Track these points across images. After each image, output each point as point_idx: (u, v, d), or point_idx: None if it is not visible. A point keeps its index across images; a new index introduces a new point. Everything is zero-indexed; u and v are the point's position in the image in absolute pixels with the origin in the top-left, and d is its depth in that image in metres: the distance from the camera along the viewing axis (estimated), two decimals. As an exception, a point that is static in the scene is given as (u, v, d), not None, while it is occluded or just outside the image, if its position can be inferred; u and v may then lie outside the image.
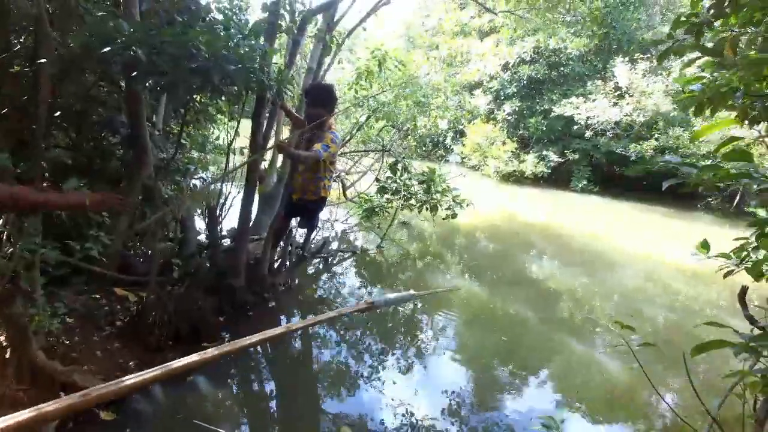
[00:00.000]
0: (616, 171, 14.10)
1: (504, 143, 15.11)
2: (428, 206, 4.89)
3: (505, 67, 16.15)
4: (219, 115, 4.33)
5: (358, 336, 3.53)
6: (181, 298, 3.01)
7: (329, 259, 4.75)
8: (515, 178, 14.76)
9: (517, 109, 15.67)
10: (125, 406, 2.25)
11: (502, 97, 16.29)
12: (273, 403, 2.66)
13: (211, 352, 0.80)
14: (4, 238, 2.11)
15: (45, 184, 2.10)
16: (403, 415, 2.57)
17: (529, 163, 14.60)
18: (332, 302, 4.04)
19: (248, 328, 3.23)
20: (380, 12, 4.88)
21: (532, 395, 3.02)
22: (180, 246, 3.41)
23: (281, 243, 3.78)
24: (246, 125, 3.45)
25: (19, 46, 2.39)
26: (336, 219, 6.22)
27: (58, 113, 2.53)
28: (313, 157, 2.85)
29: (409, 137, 6.29)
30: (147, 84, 2.49)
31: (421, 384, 2.93)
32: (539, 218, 9.87)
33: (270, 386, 2.89)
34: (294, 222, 3.74)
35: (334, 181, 6.11)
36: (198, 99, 3.82)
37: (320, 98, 2.97)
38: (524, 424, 2.64)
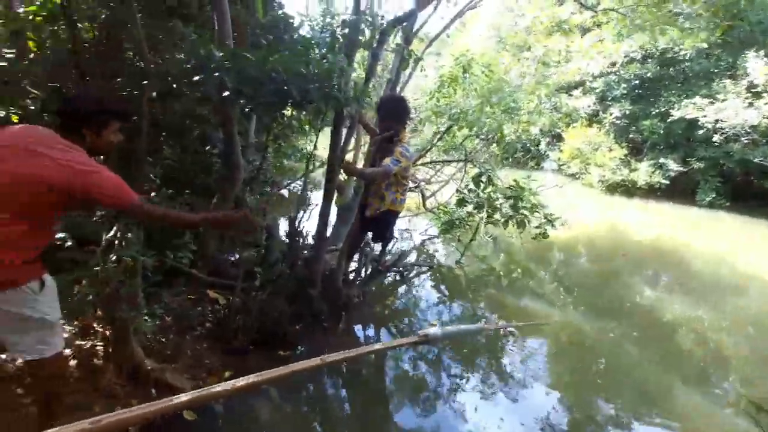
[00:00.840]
0: (754, 183, 11.69)
1: (611, 149, 13.53)
2: (515, 222, 4.52)
3: (612, 66, 14.53)
4: (306, 127, 4.55)
5: (436, 354, 3.36)
6: (263, 305, 3.17)
7: (405, 273, 4.65)
8: (624, 188, 13.07)
9: (627, 112, 13.92)
10: (205, 408, 2.39)
11: (609, 99, 14.65)
12: (344, 419, 2.63)
13: (248, 378, 0.76)
14: (115, 245, 2.42)
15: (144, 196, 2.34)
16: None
17: (642, 172, 12.79)
18: (406, 317, 3.94)
19: (323, 338, 3.30)
20: (466, 16, 4.69)
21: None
22: (264, 253, 3.61)
23: (356, 255, 3.80)
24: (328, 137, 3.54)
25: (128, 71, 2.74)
26: (414, 229, 6.12)
27: (163, 132, 2.84)
28: (381, 173, 2.82)
29: (495, 145, 5.91)
30: (235, 105, 2.68)
31: (505, 412, 2.69)
32: (652, 235, 8.58)
33: (342, 401, 2.87)
34: (369, 235, 3.73)
35: (413, 191, 6.03)
36: (288, 113, 4.06)
37: (391, 111, 2.94)
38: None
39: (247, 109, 2.76)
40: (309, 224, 3.76)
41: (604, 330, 4.11)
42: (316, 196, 4.60)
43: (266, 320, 3.06)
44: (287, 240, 3.58)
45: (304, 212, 3.86)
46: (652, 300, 5.08)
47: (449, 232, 4.87)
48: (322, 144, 3.79)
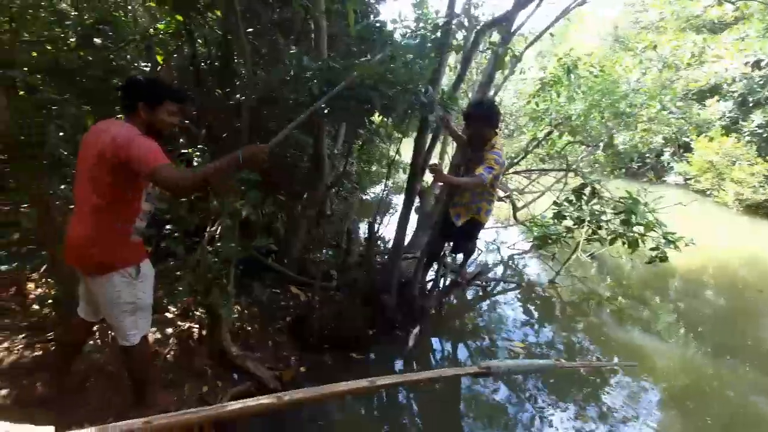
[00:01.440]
0: None
1: (753, 163, 11.22)
2: (625, 240, 3.94)
3: (756, 66, 12.09)
4: (395, 132, 4.58)
5: (521, 381, 3.08)
6: (340, 306, 3.24)
7: (488, 288, 4.37)
8: (767, 210, 10.75)
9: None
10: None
11: (751, 104, 12.22)
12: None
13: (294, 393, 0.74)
14: (216, 238, 2.67)
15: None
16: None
17: (793, 192, 10.40)
18: (486, 336, 3.68)
19: (395, 346, 3.25)
20: (576, 12, 4.26)
21: None
22: (344, 256, 3.69)
23: (435, 265, 3.67)
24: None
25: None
26: (503, 242, 5.73)
27: (260, 136, 3.07)
28: (475, 183, 2.68)
29: (602, 154, 5.27)
30: (324, 112, 2.78)
31: None
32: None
33: (411, 415, 2.76)
34: (449, 245, 3.58)
35: (503, 200, 5.66)
36: (377, 120, 4.14)
37: (482, 115, 2.75)
38: None
39: (334, 116, 2.83)
40: (389, 230, 3.75)
41: (730, 376, 3.35)
42: (399, 202, 4.58)
43: (341, 322, 3.11)
44: (366, 244, 3.62)
45: (384, 217, 3.87)
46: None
47: (542, 247, 4.44)
48: (408, 150, 3.77)
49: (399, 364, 3.13)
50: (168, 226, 2.34)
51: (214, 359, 2.45)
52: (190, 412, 0.61)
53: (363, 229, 4.35)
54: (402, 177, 4.36)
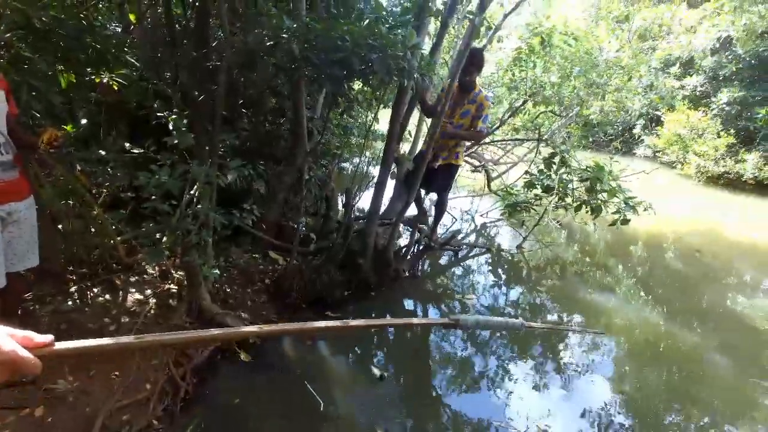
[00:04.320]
0: None
1: (718, 136, 11.75)
2: (589, 207, 4.17)
3: (727, 43, 12.41)
4: (373, 101, 4.57)
5: (487, 338, 3.32)
6: (317, 270, 3.35)
7: (459, 253, 4.57)
8: (726, 181, 11.39)
9: (737, 97, 11.92)
10: (261, 352, 2.62)
11: (721, 79, 12.62)
12: (383, 387, 2.71)
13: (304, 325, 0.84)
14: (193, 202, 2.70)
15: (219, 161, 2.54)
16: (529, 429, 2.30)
17: (750, 164, 11.04)
18: (456, 298, 3.90)
19: (370, 307, 3.42)
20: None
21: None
22: (323, 222, 3.78)
23: (408, 231, 3.82)
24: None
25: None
26: (476, 212, 5.93)
27: (237, 101, 3.05)
28: (480, 137, 3.06)
29: (574, 125, 5.43)
30: (303, 74, 2.78)
31: (557, 405, 2.58)
32: (755, 237, 7.42)
33: (387, 369, 2.95)
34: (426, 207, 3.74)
35: (477, 171, 5.81)
36: (356, 87, 4.12)
37: (474, 62, 3.04)
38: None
39: (313, 78, 2.83)
40: (366, 199, 3.84)
41: (685, 334, 3.71)
42: (376, 173, 4.66)
43: (318, 283, 3.24)
44: (343, 211, 3.70)
45: (362, 186, 3.94)
46: (745, 306, 4.44)
47: (513, 215, 4.64)
48: (386, 119, 3.80)
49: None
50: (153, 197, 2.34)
51: (194, 317, 2.55)
52: (176, 334, 0.70)
53: (341, 198, 4.41)
54: (380, 146, 4.40)
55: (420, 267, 4.22)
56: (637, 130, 14.81)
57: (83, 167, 2.43)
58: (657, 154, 13.72)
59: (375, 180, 3.51)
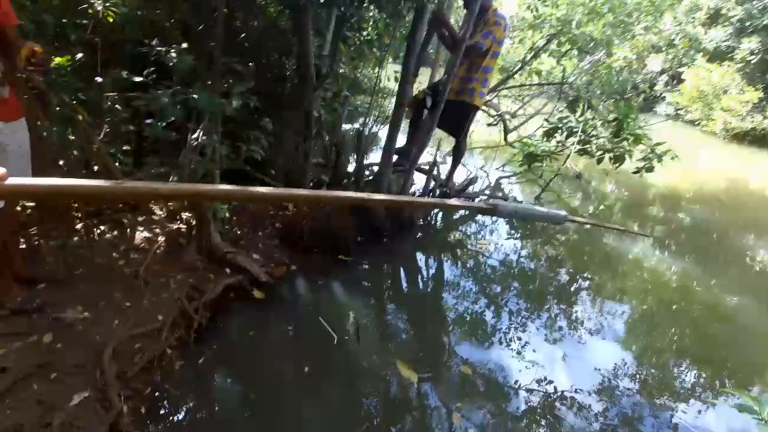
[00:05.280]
0: None
1: (743, 92, 11.14)
2: (612, 155, 3.94)
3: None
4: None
5: (501, 288, 3.22)
6: (328, 215, 3.24)
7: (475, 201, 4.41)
8: (753, 137, 10.89)
9: (763, 45, 11.18)
10: (272, 291, 2.54)
11: (749, 31, 11.83)
12: (395, 324, 2.65)
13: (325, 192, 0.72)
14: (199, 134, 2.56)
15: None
16: (538, 381, 2.22)
17: (780, 119, 10.53)
18: (469, 248, 3.78)
19: (383, 253, 3.32)
20: None
21: (723, 413, 2.22)
22: (333, 169, 3.63)
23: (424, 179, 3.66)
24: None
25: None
26: (492, 165, 5.71)
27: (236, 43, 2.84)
28: (460, 44, 2.72)
29: (600, 70, 5.09)
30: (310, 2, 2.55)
31: (568, 356, 2.47)
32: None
33: (396, 308, 2.87)
34: (440, 157, 3.54)
35: (494, 124, 5.54)
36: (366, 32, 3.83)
37: None
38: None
39: (322, 2, 2.60)
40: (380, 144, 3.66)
41: (710, 285, 3.58)
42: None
43: (330, 228, 3.13)
44: (355, 155, 3.54)
45: (371, 131, 3.74)
46: (764, 258, 4.29)
47: (530, 167, 4.42)
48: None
49: (386, 269, 3.22)
50: (149, 120, 2.20)
51: (204, 255, 2.46)
52: (168, 184, 0.56)
53: (352, 143, 4.23)
54: (390, 105, 4.14)
55: (434, 215, 4.10)
56: (659, 87, 14.14)
57: (81, 97, 2.29)
58: (679, 112, 13.14)
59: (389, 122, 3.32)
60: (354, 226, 3.27)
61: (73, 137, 2.40)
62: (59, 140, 2.29)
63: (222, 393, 1.84)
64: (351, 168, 4.06)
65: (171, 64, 2.06)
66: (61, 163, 2.43)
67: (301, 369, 2.01)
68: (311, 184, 3.44)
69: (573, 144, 3.80)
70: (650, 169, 3.72)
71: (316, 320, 2.34)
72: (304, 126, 3.49)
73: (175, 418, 1.70)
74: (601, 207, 5.36)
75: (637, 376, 2.40)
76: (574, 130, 3.76)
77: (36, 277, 1.97)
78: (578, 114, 3.94)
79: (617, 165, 3.93)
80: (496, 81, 5.02)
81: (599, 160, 4.05)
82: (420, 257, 3.54)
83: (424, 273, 3.36)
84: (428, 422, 1.91)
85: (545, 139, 4.31)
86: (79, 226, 2.39)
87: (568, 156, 3.87)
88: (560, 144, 4.09)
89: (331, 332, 2.24)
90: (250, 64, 3.04)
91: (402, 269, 3.27)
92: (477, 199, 4.19)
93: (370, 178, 3.70)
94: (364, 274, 3.04)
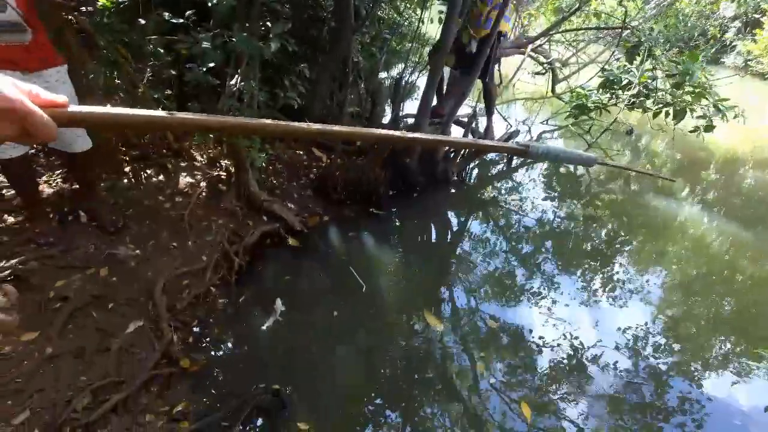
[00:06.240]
0: None
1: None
2: (671, 110, 3.60)
3: None
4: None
5: (537, 245, 3.16)
6: (361, 168, 3.22)
7: (513, 161, 4.24)
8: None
9: None
10: (306, 240, 2.63)
11: None
12: (424, 277, 2.69)
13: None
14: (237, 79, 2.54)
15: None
16: (565, 338, 2.23)
17: None
18: (504, 207, 3.68)
19: (414, 207, 3.31)
20: None
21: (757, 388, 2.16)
22: (368, 119, 3.55)
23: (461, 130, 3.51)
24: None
25: None
26: (534, 120, 5.39)
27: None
28: None
29: (667, 14, 4.55)
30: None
31: (599, 316, 2.46)
32: None
33: (425, 262, 2.89)
34: (478, 109, 3.36)
35: (542, 73, 5.16)
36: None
37: None
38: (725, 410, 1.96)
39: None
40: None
41: (754, 250, 3.37)
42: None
43: (362, 180, 3.13)
44: (391, 105, 3.43)
45: (408, 81, 3.58)
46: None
47: (578, 119, 4.12)
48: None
49: (418, 223, 3.21)
50: (189, 64, 2.20)
51: (243, 201, 2.54)
52: (210, 116, 0.56)
53: (388, 92, 4.09)
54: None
55: (469, 171, 3.99)
56: (729, 34, 12.55)
57: (124, 40, 2.30)
58: (749, 62, 11.73)
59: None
60: (386, 179, 3.24)
61: (118, 81, 2.45)
62: (105, 83, 2.35)
63: (258, 331, 1.98)
64: (386, 119, 3.97)
65: (210, 4, 2.00)
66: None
67: (331, 314, 2.11)
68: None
69: (628, 97, 3.48)
70: (709, 129, 3.39)
71: (347, 270, 2.41)
72: (341, 72, 3.40)
73: (217, 350, 1.85)
74: (649, 166, 5.02)
75: (669, 341, 2.36)
76: (630, 82, 3.43)
77: (114, 221, 2.06)
78: (638, 63, 3.57)
79: (677, 121, 3.59)
80: (548, 24, 4.61)
81: (655, 114, 3.72)
82: (452, 213, 3.51)
83: (456, 229, 3.34)
84: (451, 369, 1.98)
85: (600, 90, 3.98)
86: (127, 169, 2.50)
87: (621, 110, 3.56)
88: (614, 96, 3.76)
89: (361, 282, 2.31)
90: (287, 6, 2.94)
91: (433, 224, 3.26)
92: (515, 162, 4.02)
93: (407, 128, 3.60)
94: (395, 227, 3.06)
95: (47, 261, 1.81)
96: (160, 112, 0.54)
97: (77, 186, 2.14)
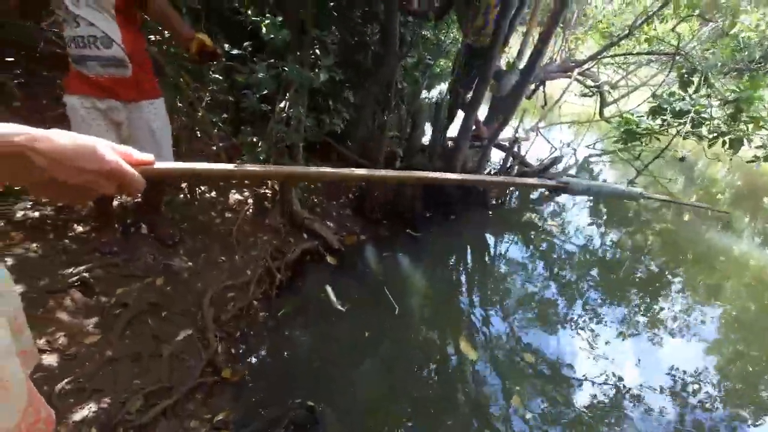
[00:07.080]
0: None
1: None
2: (727, 140, 3.41)
3: None
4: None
5: (580, 274, 3.07)
6: (398, 189, 3.28)
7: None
8: None
9: None
10: (343, 258, 2.70)
11: None
12: (458, 302, 2.68)
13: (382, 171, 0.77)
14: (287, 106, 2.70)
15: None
16: (606, 375, 2.15)
17: None
18: (543, 231, 3.60)
19: (450, 229, 3.32)
20: None
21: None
22: (408, 140, 3.62)
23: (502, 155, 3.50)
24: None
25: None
26: (580, 143, 5.25)
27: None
28: None
29: (723, 40, 4.34)
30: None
31: (643, 354, 2.35)
32: None
33: (460, 286, 2.89)
34: (522, 132, 3.33)
35: (588, 95, 5.04)
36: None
37: None
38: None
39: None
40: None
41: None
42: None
43: (399, 201, 3.19)
44: (432, 128, 3.48)
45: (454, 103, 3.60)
46: None
47: (627, 144, 3.97)
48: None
49: (454, 246, 3.21)
50: (245, 91, 2.38)
51: (286, 219, 2.67)
52: (280, 167, 0.64)
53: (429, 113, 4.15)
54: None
55: (509, 194, 3.95)
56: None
57: (186, 66, 2.52)
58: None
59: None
60: (424, 200, 3.29)
61: (180, 104, 2.68)
62: (168, 106, 2.57)
63: (295, 344, 2.05)
64: (427, 140, 4.03)
65: (267, 39, 2.16)
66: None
67: (362, 333, 2.15)
68: (385, 155, 3.48)
69: (682, 125, 3.33)
70: (768, 159, 3.18)
71: (381, 290, 2.46)
72: (384, 96, 3.50)
73: (256, 361, 1.94)
74: (703, 194, 4.74)
75: (719, 384, 2.20)
76: (682, 110, 3.29)
77: (173, 235, 2.22)
78: (692, 90, 3.43)
79: (734, 152, 3.40)
80: (596, 46, 4.53)
81: (710, 144, 3.53)
82: (490, 237, 3.48)
83: (493, 252, 3.31)
84: (484, 399, 1.95)
85: (650, 117, 3.83)
86: (183, 185, 2.70)
87: (670, 141, 3.42)
88: (666, 123, 3.62)
89: (394, 303, 2.35)
90: (336, 34, 3.09)
91: (469, 247, 3.25)
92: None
93: (445, 151, 3.64)
94: (431, 249, 3.07)
95: (111, 269, 1.98)
96: (229, 166, 0.62)
97: (140, 200, 2.34)
